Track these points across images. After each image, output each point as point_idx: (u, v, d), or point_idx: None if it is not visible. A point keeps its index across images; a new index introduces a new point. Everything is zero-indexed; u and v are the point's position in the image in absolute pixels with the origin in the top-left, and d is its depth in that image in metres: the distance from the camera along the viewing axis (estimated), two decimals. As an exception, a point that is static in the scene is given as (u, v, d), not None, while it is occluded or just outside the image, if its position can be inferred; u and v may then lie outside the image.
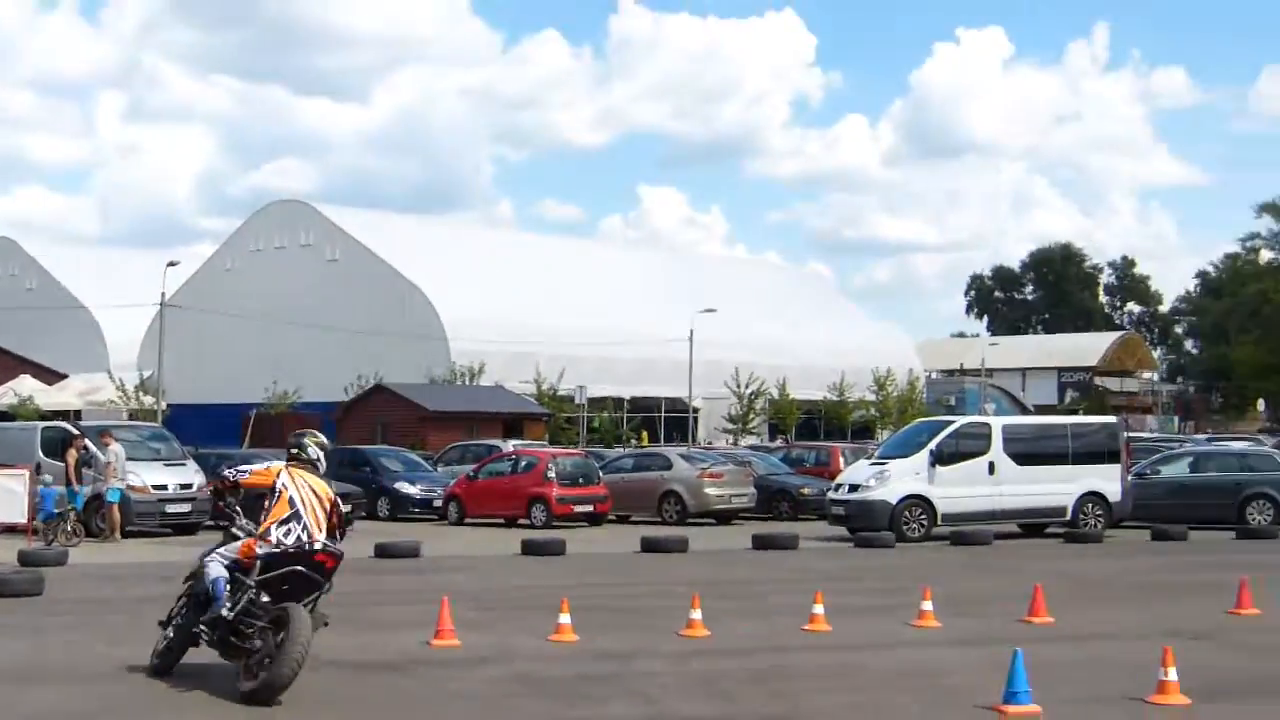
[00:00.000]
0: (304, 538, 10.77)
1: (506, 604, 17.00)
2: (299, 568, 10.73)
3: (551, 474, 31.05)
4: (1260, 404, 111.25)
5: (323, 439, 11.77)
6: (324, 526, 10.95)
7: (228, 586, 10.71)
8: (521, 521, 30.70)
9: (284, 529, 10.75)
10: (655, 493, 32.58)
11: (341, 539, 11.33)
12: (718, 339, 70.23)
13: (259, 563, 10.67)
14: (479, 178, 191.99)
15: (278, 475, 11.08)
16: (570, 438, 60.26)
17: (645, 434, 68.25)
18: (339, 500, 11.38)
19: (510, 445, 38.63)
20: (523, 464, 32.56)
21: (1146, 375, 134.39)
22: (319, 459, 11.46)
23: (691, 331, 66.61)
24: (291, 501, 10.87)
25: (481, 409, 56.41)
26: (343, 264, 73.64)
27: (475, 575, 20.50)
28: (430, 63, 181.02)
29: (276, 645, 10.26)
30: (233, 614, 10.56)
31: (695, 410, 70.76)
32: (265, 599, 10.62)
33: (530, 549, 23.79)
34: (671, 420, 73.95)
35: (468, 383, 63.47)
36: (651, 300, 78.75)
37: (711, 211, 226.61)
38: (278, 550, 10.68)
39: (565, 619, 13.72)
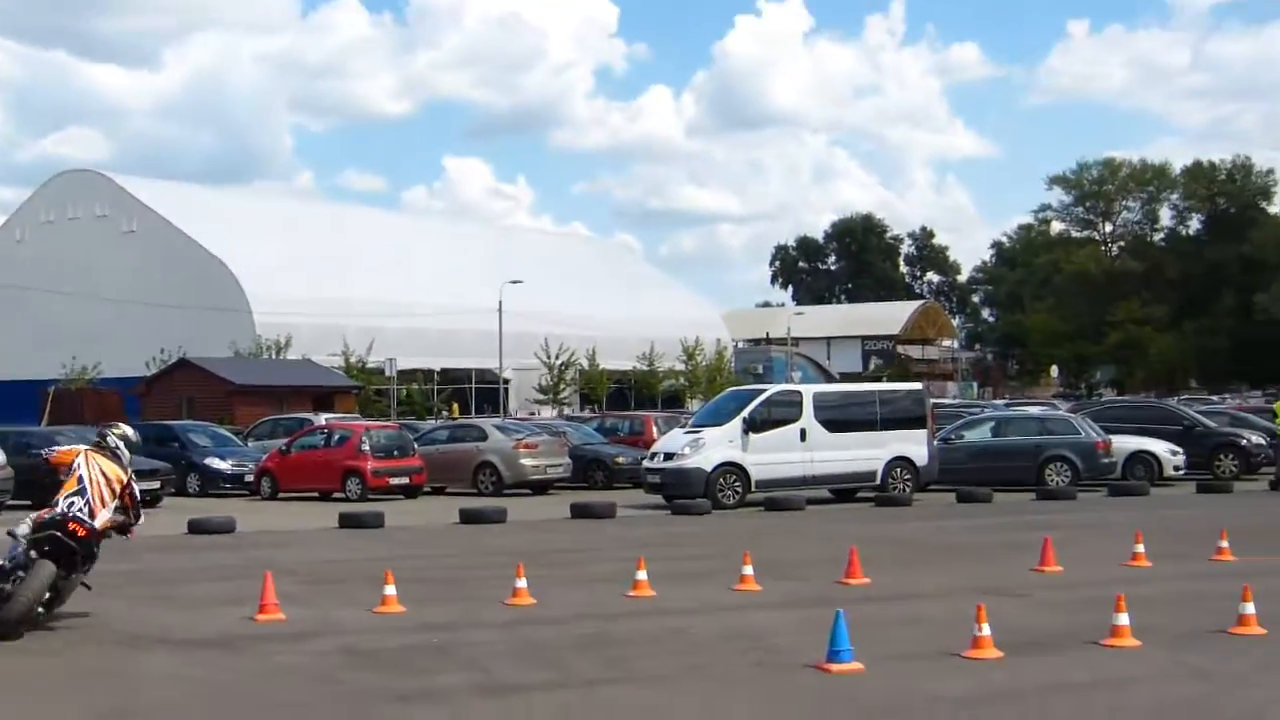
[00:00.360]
0: (83, 511, 12.38)
1: (328, 578, 16.85)
2: (56, 533, 12.22)
3: (366, 447, 30.79)
4: (1054, 370, 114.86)
5: (126, 430, 13.60)
6: (109, 504, 12.68)
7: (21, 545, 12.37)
8: (336, 495, 30.43)
9: (69, 501, 12.43)
10: (471, 464, 32.52)
11: (137, 519, 13.27)
12: (527, 310, 70.24)
13: (33, 525, 12.32)
14: (279, 148, 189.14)
15: (77, 456, 12.88)
16: (381, 410, 59.77)
17: (456, 405, 68.00)
18: (133, 483, 13.14)
19: (323, 418, 38.21)
20: (336, 437, 32.24)
21: (947, 343, 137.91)
22: (118, 447, 13.23)
23: (500, 302, 66.56)
24: (80, 479, 12.58)
25: (290, 382, 55.65)
26: (141, 236, 71.98)
27: (294, 550, 20.28)
28: (225, 28, 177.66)
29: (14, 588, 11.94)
30: (9, 565, 12.22)
31: (506, 381, 70.74)
32: (34, 555, 12.17)
33: (348, 522, 23.65)
34: (482, 391, 73.83)
35: (274, 356, 62.56)
36: (459, 271, 78.46)
37: (517, 182, 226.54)
38: (46, 517, 12.33)
39: (390, 591, 13.68)
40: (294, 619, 13.08)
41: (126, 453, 13.28)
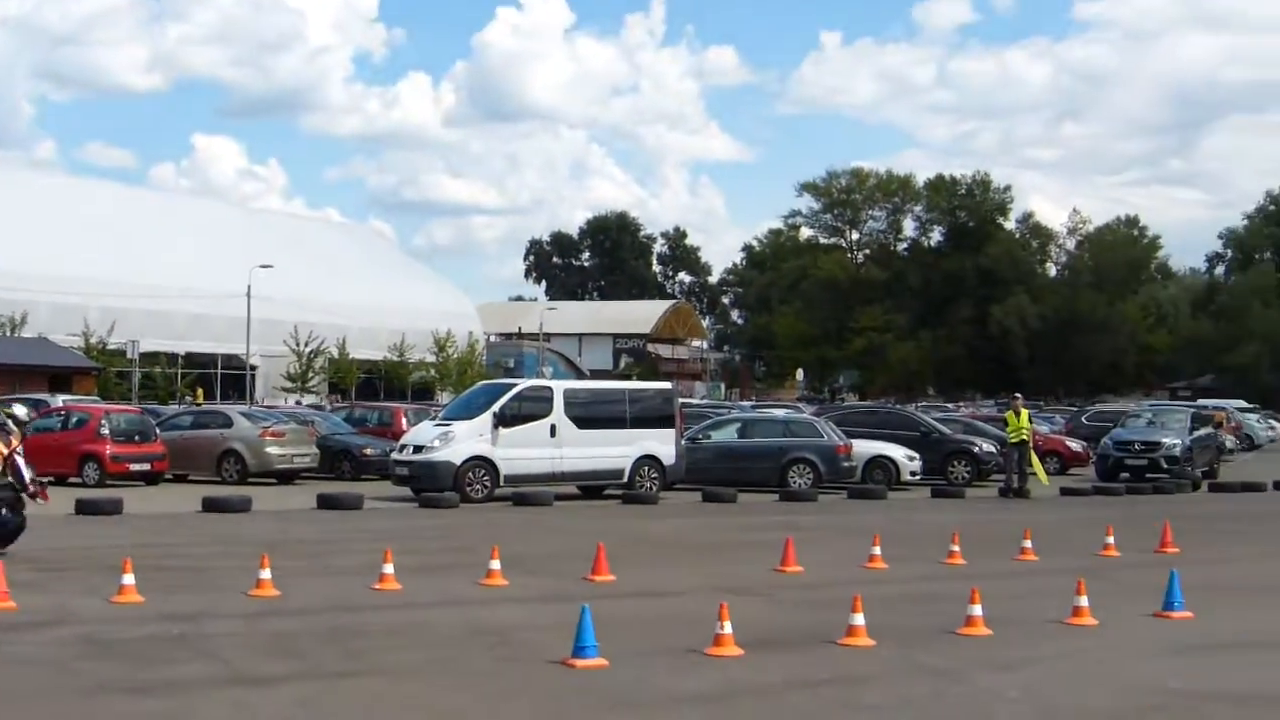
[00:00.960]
0: None
1: (63, 565, 16.37)
2: None
3: (105, 430, 29.83)
4: (799, 373, 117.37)
5: (17, 410, 15.03)
6: None
7: None
8: (73, 480, 29.43)
9: None
10: (215, 451, 31.77)
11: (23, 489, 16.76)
12: (276, 295, 69.06)
13: None
14: (17, 116, 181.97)
15: None
16: (122, 394, 58.06)
17: (201, 391, 66.42)
18: (15, 456, 16.77)
19: (60, 400, 36.96)
20: (74, 420, 31.15)
21: (696, 343, 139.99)
22: (5, 424, 16.61)
23: (249, 287, 65.25)
24: None
25: (25, 362, 53.69)
26: None
27: (26, 536, 19.47)
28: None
29: None
30: None
31: (253, 368, 69.41)
32: None
33: (85, 508, 22.95)
34: (228, 377, 72.30)
35: (8, 334, 60.28)
36: (207, 254, 76.63)
37: (270, 164, 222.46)
38: None
39: (129, 579, 13.38)
40: (26, 607, 12.67)
41: (14, 429, 14.75)
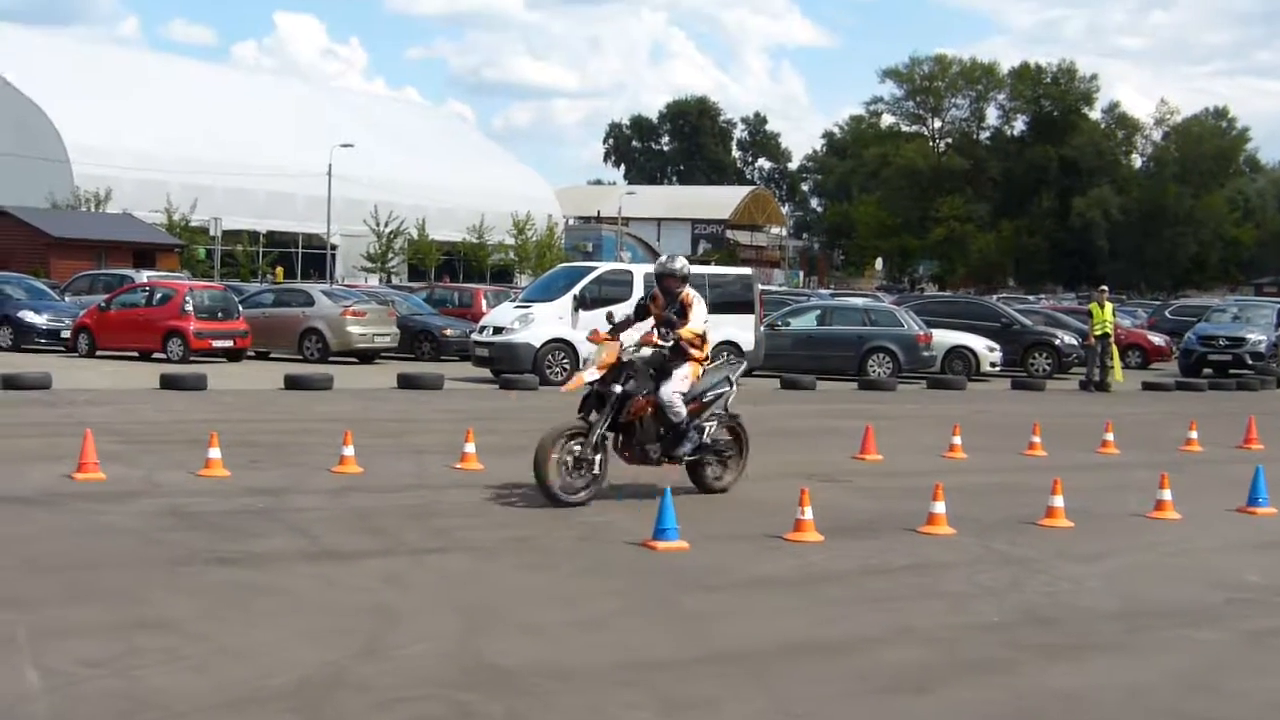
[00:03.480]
0: None
1: (150, 438, 16.57)
2: None
3: (189, 307, 30.16)
4: (879, 262, 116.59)
5: None
6: None
7: None
8: (157, 356, 29.86)
9: None
10: (297, 329, 32.12)
11: None
12: (356, 175, 69.23)
13: None
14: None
15: None
16: (205, 271, 58.62)
17: (280, 269, 66.94)
18: None
19: (145, 276, 37.34)
20: (158, 296, 31.50)
21: (775, 230, 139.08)
22: None
23: (330, 166, 65.40)
24: None
25: (110, 237, 54.27)
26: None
27: (113, 409, 19.89)
28: None
29: None
30: None
31: (334, 247, 69.79)
32: None
33: (169, 383, 23.24)
34: (309, 256, 72.77)
35: (93, 209, 60.89)
36: (288, 132, 76.81)
37: (350, 43, 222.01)
38: None
39: (215, 454, 13.55)
40: (114, 478, 12.89)
41: None
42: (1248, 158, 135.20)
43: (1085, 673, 7.62)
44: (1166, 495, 12.95)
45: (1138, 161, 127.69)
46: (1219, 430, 20.51)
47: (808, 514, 11.10)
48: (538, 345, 27.08)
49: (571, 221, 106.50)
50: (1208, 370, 35.09)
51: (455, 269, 77.14)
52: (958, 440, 17.38)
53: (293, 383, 24.20)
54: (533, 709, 6.56)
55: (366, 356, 32.30)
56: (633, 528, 11.12)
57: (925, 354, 31.40)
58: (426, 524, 11.43)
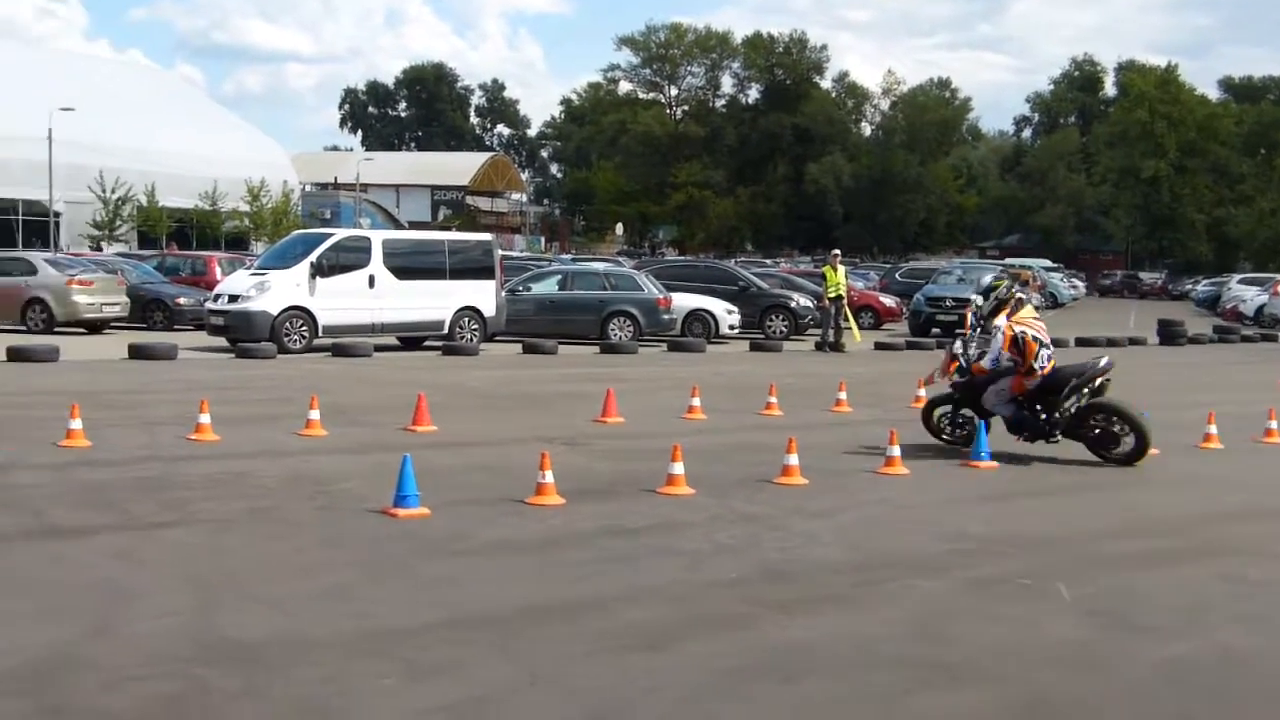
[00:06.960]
0: None
1: None
2: None
3: (-100, 278, 28.79)
4: (619, 227, 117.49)
5: None
6: None
7: None
8: None
9: None
10: (19, 299, 30.85)
11: None
12: (80, 140, 66.61)
13: None
14: None
15: None
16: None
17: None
18: None
19: None
20: None
21: (515, 196, 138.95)
22: None
23: (50, 130, 62.85)
24: None
25: None
26: None
27: None
28: None
29: None
30: None
31: (57, 215, 67.16)
32: None
33: (-121, 357, 22.11)
34: (30, 224, 69.91)
35: None
36: (3, 95, 73.41)
37: (69, 2, 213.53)
38: None
39: (-69, 430, 12.97)
40: None
41: None
42: (970, 127, 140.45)
43: (818, 625, 7.84)
44: (895, 451, 13.37)
45: (867, 130, 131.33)
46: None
47: (548, 477, 11.16)
48: (275, 313, 26.61)
49: (308, 188, 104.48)
50: (936, 330, 36.31)
51: (189, 237, 75.00)
52: (697, 402, 17.65)
53: (15, 354, 23.25)
54: (272, 682, 6.45)
55: (95, 327, 31.24)
56: (372, 495, 11.03)
57: (665, 317, 31.80)
58: (159, 497, 11.12)
